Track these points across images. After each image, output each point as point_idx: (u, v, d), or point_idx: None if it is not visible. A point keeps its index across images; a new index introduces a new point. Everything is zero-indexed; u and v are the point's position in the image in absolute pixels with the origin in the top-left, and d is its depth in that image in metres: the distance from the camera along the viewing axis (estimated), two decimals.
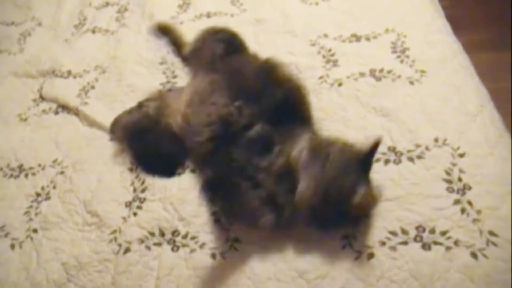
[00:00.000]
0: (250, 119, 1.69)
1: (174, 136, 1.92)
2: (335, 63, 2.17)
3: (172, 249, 1.70)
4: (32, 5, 3.18)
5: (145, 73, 2.38)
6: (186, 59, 2.26)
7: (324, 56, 2.22)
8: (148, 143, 1.97)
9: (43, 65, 2.64)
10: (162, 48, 2.44)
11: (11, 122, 2.38)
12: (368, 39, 2.26)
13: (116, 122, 2.10)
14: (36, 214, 1.94)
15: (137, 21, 2.75)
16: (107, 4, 2.99)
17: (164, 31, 2.37)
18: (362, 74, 2.08)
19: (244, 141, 1.66)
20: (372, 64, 2.11)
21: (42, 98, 2.47)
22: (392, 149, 1.80)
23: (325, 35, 2.32)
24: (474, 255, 1.49)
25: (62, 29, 2.94)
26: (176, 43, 2.34)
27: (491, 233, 1.52)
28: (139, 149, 1.99)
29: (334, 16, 2.42)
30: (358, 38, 2.27)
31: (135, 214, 1.82)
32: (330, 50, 2.24)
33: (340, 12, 2.44)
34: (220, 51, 2.03)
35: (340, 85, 2.06)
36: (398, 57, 2.13)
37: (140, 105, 2.07)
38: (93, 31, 2.81)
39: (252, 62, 1.97)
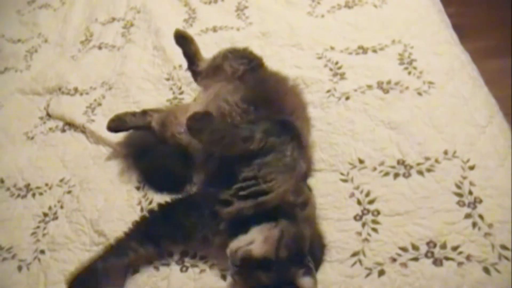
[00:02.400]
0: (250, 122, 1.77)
1: (180, 151, 1.93)
2: (342, 76, 2.15)
3: (181, 270, 1.68)
4: (39, 21, 3.21)
5: (151, 89, 2.38)
6: (199, 74, 2.22)
7: (331, 69, 2.20)
8: (154, 159, 1.99)
9: (50, 82, 2.65)
10: (168, 64, 2.43)
11: (18, 140, 2.39)
12: (375, 51, 2.24)
13: (116, 119, 2.11)
14: (44, 234, 1.94)
15: (143, 36, 2.75)
16: (113, 19, 3.00)
17: (182, 41, 2.30)
18: (369, 87, 2.06)
19: None
20: (380, 76, 2.09)
21: (49, 115, 2.48)
22: (401, 162, 1.78)
23: (332, 48, 2.31)
24: (486, 270, 1.46)
25: (68, 45, 2.96)
26: (191, 55, 2.27)
27: (503, 247, 1.50)
28: (145, 166, 2.00)
29: (341, 28, 2.41)
30: (365, 50, 2.26)
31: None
32: (337, 63, 2.22)
33: (346, 24, 2.42)
34: (243, 68, 2.04)
35: (347, 98, 2.04)
36: (406, 68, 2.11)
37: (144, 112, 2.10)
38: (99, 47, 2.82)
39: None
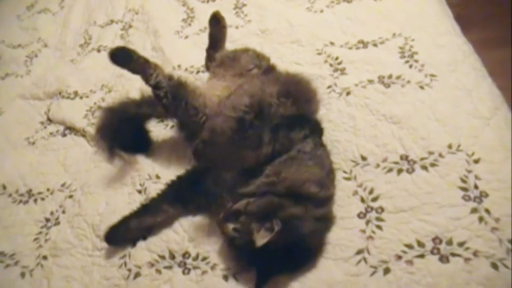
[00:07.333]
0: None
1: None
2: (342, 72, 2.13)
3: (183, 272, 1.66)
4: (38, 26, 3.22)
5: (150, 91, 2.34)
6: (214, 59, 2.20)
7: (331, 65, 2.18)
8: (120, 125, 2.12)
9: (50, 86, 2.64)
10: (167, 64, 2.41)
11: (19, 146, 2.38)
12: (375, 44, 2.21)
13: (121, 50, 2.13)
14: (46, 240, 1.92)
15: (142, 37, 2.74)
16: (112, 21, 3.00)
17: (215, 22, 2.25)
18: (370, 81, 2.03)
19: None
20: (381, 71, 2.06)
21: (50, 120, 2.47)
22: (404, 158, 1.75)
23: (332, 43, 2.28)
24: (494, 265, 1.43)
25: (68, 49, 2.96)
26: (217, 39, 2.25)
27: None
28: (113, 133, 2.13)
29: (340, 23, 2.38)
30: (365, 45, 2.23)
31: (144, 237, 1.79)
32: (337, 58, 2.19)
33: (345, 19, 2.40)
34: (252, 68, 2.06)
35: (348, 94, 2.02)
36: (407, 62, 2.08)
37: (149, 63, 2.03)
38: (98, 50, 2.81)
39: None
